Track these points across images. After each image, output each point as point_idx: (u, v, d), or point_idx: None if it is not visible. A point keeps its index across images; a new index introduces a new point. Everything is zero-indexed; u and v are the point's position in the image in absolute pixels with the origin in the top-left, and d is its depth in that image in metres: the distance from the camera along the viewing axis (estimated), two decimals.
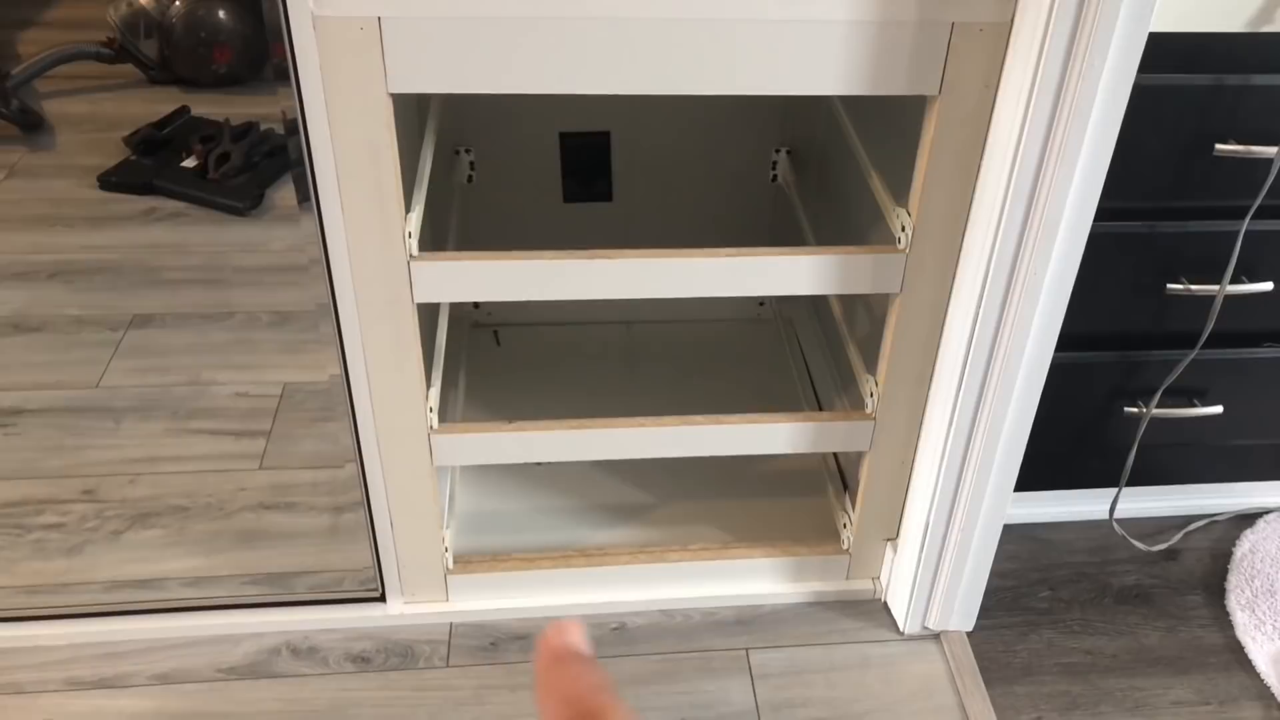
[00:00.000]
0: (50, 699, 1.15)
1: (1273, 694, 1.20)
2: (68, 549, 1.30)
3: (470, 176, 1.54)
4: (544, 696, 0.23)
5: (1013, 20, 0.89)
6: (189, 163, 1.98)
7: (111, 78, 2.18)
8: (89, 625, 1.22)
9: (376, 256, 0.98)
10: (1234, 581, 1.32)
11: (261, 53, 2.18)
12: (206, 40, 2.15)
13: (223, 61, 2.17)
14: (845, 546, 1.28)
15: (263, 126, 2.06)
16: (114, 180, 1.94)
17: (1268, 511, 1.42)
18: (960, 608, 1.23)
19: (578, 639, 0.24)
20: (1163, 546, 1.38)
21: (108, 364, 1.57)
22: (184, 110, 2.11)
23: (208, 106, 2.13)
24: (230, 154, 1.96)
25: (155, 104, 2.12)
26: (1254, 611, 1.28)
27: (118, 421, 1.48)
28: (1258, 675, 1.22)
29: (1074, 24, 0.84)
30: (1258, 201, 1.08)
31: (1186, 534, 1.40)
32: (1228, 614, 1.29)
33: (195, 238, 1.86)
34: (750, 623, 1.26)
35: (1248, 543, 1.37)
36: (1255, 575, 1.32)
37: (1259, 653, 1.24)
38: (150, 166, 1.97)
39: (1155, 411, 1.24)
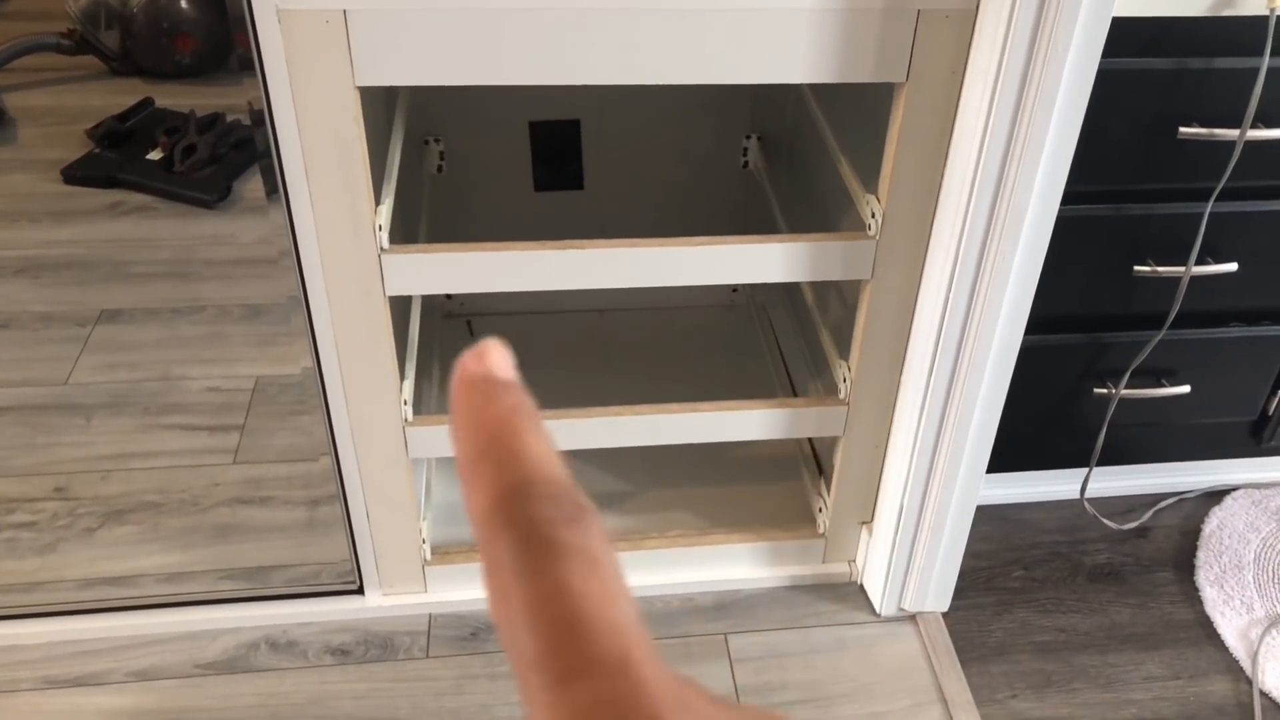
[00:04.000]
0: (26, 698, 1.15)
1: (1241, 668, 1.22)
2: (40, 547, 1.29)
3: (440, 166, 1.53)
4: (454, 427, 0.21)
5: (978, 7, 0.90)
6: (154, 155, 1.96)
7: (73, 70, 2.15)
8: (64, 623, 1.22)
9: (347, 250, 0.97)
10: (1203, 558, 1.35)
11: (225, 43, 2.15)
12: (169, 31, 2.12)
13: (185, 52, 2.14)
14: (821, 530, 1.29)
15: (229, 118, 2.04)
16: (78, 174, 1.91)
17: (1235, 489, 1.44)
18: (935, 589, 1.24)
19: (498, 362, 0.22)
20: (1133, 525, 1.40)
21: (76, 360, 1.56)
22: (148, 102, 2.09)
23: (172, 98, 2.10)
24: (196, 146, 1.94)
25: (118, 96, 2.10)
26: (1222, 587, 1.31)
27: (88, 418, 1.47)
28: (1227, 650, 1.24)
29: (1038, 9, 0.85)
30: (1221, 183, 1.10)
31: (1156, 512, 1.42)
32: (1197, 590, 1.31)
33: (162, 231, 1.84)
34: (728, 607, 1.27)
35: (1216, 519, 1.39)
36: (1223, 551, 1.35)
37: (1228, 627, 1.26)
38: (114, 159, 1.95)
39: (1124, 392, 1.25)
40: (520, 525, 0.19)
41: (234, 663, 1.19)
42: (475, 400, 0.21)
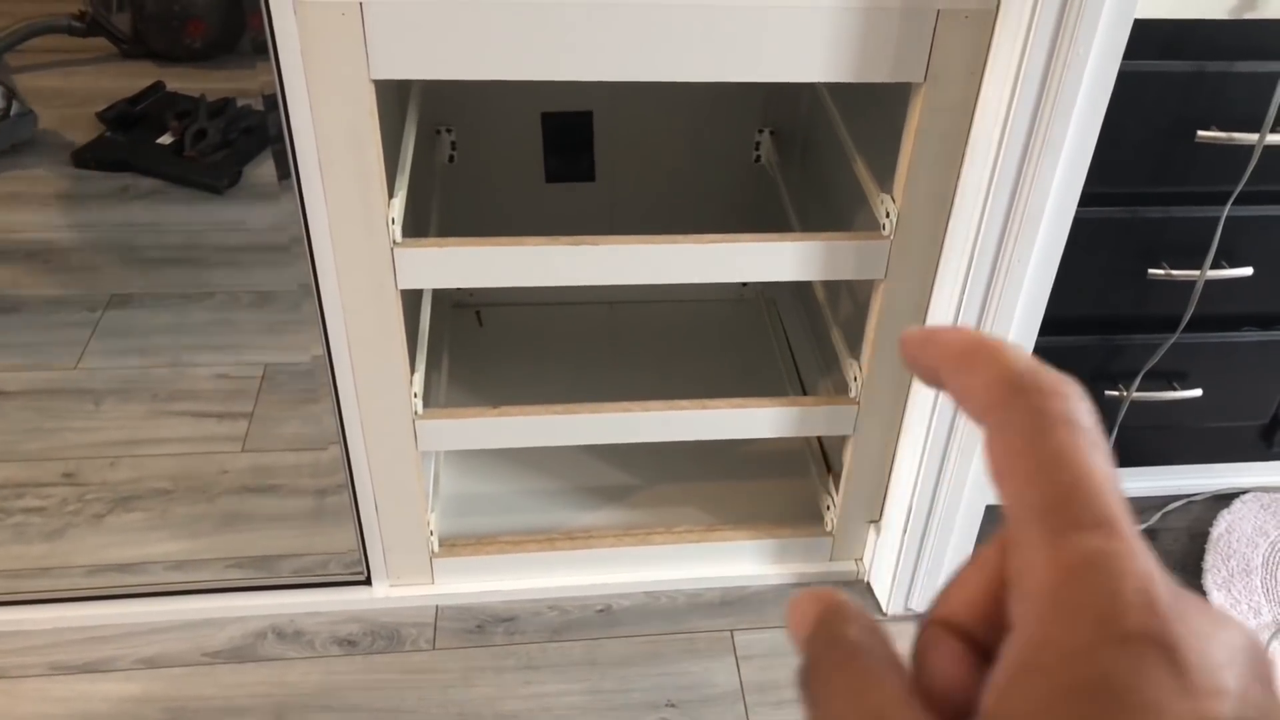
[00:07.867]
0: (33, 684, 1.15)
1: None
2: (49, 533, 1.29)
3: (451, 156, 1.53)
4: (935, 343, 0.25)
5: (998, 7, 0.89)
6: (165, 139, 1.96)
7: (84, 52, 2.15)
8: (72, 610, 1.22)
9: (359, 243, 0.97)
10: (1211, 561, 1.34)
11: (236, 28, 2.15)
12: (180, 14, 2.11)
13: (197, 36, 2.13)
14: (829, 528, 1.29)
15: (240, 103, 2.03)
16: (89, 157, 1.91)
17: (1244, 492, 1.44)
18: None
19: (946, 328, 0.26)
20: (1141, 527, 1.40)
21: (86, 345, 1.56)
22: (159, 85, 2.08)
23: (183, 82, 2.10)
24: (207, 131, 1.94)
25: (129, 79, 2.09)
26: (1230, 591, 1.30)
27: (97, 403, 1.47)
28: None
29: (1060, 10, 0.84)
30: (1239, 187, 1.09)
31: (1164, 514, 1.42)
32: (1204, 593, 1.31)
33: (172, 216, 1.84)
34: (735, 604, 1.27)
35: (1224, 523, 1.39)
36: (1231, 555, 1.34)
37: None
38: (125, 143, 1.94)
39: (1136, 394, 1.25)
40: (1034, 394, 0.22)
41: (241, 651, 1.20)
42: (950, 333, 0.25)
